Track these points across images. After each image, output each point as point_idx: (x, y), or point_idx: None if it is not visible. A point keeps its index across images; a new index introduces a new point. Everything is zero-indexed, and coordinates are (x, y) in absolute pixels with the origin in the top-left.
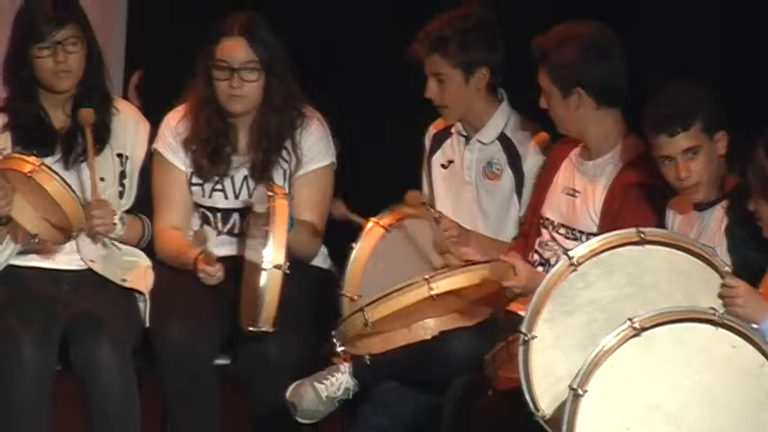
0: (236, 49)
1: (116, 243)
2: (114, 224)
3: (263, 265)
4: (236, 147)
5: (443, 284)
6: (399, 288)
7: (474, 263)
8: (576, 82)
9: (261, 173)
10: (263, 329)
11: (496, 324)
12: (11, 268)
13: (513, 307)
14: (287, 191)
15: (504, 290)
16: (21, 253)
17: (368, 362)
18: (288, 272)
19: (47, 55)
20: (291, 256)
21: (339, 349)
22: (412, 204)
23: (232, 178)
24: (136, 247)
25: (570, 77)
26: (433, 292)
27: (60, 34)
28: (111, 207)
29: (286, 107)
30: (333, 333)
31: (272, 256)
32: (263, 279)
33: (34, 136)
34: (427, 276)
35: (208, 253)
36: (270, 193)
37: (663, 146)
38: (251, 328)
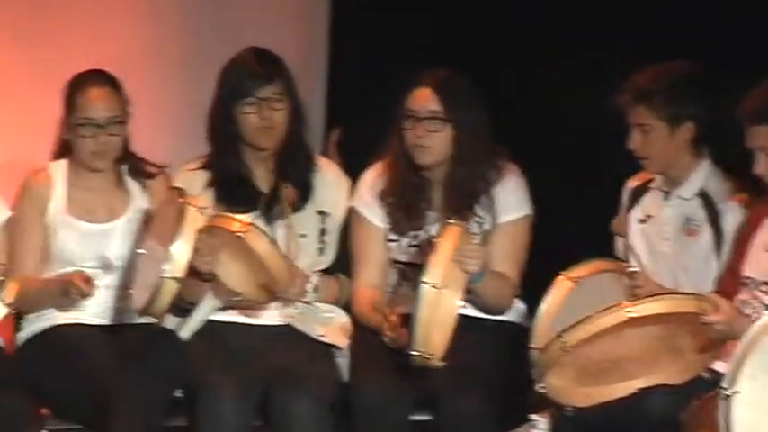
0: (422, 99)
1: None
2: (306, 292)
3: (420, 286)
4: (431, 202)
5: (642, 309)
6: (597, 312)
7: (675, 292)
8: None
9: None
10: (420, 353)
11: (698, 380)
12: (211, 323)
13: (716, 365)
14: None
15: (706, 328)
16: (221, 308)
17: (570, 412)
18: (441, 292)
19: (252, 112)
20: (483, 306)
21: (539, 386)
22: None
23: (428, 233)
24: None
25: None
26: (630, 315)
27: (265, 91)
28: (305, 276)
29: (478, 163)
30: (533, 371)
31: (427, 274)
32: (417, 296)
33: (237, 193)
34: (626, 301)
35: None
36: (447, 221)
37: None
38: (411, 352)
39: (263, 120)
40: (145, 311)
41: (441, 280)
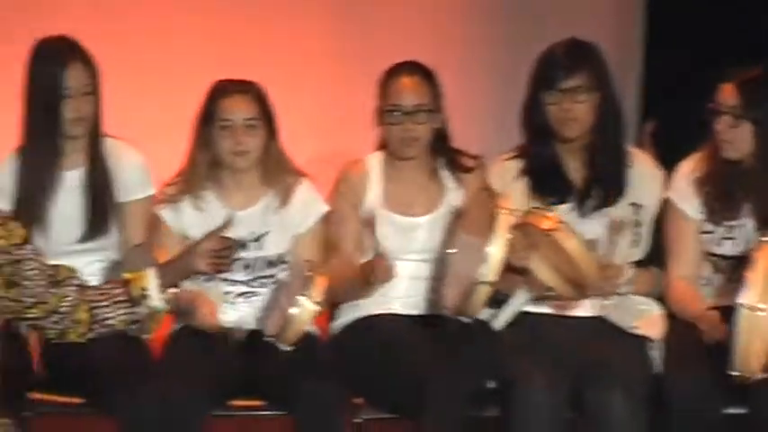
0: (725, 94)
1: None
2: (619, 285)
3: (737, 308)
4: (748, 193)
5: None
6: None
7: None
8: None
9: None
10: (741, 373)
11: None
12: (524, 314)
13: None
14: None
15: None
16: (535, 299)
17: None
18: (758, 312)
19: (554, 102)
20: None
21: None
22: None
23: (744, 226)
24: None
25: None
26: None
27: (568, 83)
28: (618, 270)
29: None
30: None
31: (745, 295)
32: (735, 317)
33: (549, 183)
34: None
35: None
36: (761, 239)
37: None
38: (732, 373)
39: (563, 111)
40: (458, 312)
41: (758, 299)
